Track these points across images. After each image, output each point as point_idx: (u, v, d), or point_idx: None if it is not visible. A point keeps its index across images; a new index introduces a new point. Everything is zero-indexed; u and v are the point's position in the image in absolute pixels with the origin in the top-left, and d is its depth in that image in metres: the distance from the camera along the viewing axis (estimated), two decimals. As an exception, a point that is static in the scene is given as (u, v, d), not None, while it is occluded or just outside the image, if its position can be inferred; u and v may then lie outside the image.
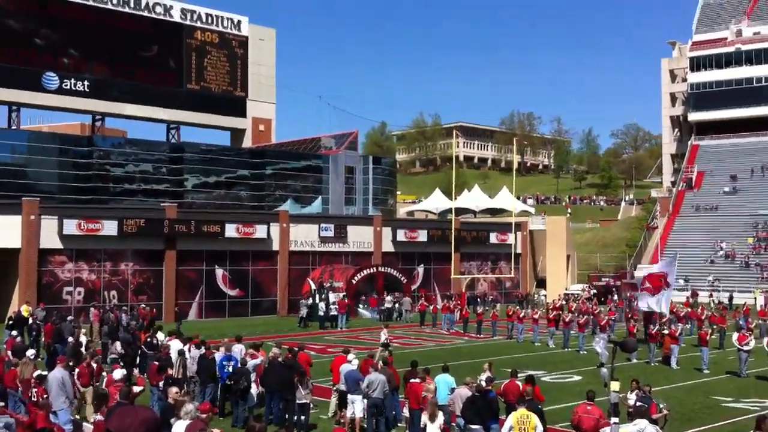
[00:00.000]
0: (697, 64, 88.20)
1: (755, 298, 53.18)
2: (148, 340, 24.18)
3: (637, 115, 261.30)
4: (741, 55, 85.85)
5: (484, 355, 28.70)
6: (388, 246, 52.93)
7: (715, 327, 33.86)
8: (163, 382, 16.43)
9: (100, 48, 58.52)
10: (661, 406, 15.83)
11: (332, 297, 42.17)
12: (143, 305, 38.32)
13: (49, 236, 40.12)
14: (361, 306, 46.66)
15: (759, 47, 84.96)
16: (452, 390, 16.53)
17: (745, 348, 25.94)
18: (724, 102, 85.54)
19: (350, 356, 18.55)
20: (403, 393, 17.71)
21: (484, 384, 15.26)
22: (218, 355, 19.39)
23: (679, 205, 76.12)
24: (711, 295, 55.09)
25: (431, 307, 42.77)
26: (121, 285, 42.42)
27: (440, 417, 14.77)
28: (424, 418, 14.95)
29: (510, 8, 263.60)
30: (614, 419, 11.15)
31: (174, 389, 13.70)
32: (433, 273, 55.21)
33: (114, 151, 54.37)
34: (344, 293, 44.19)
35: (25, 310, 33.47)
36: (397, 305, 45.60)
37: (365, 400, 16.98)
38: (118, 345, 24.15)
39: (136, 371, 22.11)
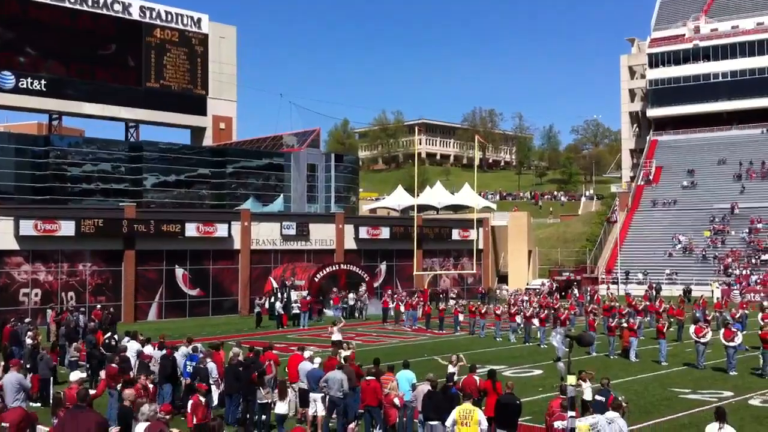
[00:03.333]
0: (655, 61, 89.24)
1: (712, 290, 54.09)
2: (106, 341, 23.87)
3: (597, 111, 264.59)
4: (699, 51, 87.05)
5: (446, 351, 28.78)
6: (350, 243, 52.84)
7: (672, 320, 34.34)
8: (120, 384, 16.18)
9: (57, 46, 57.59)
10: (620, 398, 15.97)
11: (294, 295, 42.00)
12: (99, 306, 37.74)
13: (5, 237, 39.40)
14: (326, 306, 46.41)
15: (716, 43, 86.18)
16: (413, 386, 16.56)
17: (702, 340, 26.36)
18: (682, 98, 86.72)
19: (307, 353, 18.50)
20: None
21: (446, 380, 15.33)
22: (179, 355, 19.19)
23: (638, 199, 77.16)
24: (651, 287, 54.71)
25: (394, 304, 42.64)
26: (79, 286, 41.82)
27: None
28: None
29: (471, 5, 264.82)
30: (570, 413, 11.23)
31: (129, 391, 13.53)
32: (396, 270, 55.28)
33: (71, 151, 53.50)
34: (306, 291, 44.02)
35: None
36: (359, 303, 45.55)
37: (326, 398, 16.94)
38: (75, 347, 23.79)
39: (102, 374, 21.75)
